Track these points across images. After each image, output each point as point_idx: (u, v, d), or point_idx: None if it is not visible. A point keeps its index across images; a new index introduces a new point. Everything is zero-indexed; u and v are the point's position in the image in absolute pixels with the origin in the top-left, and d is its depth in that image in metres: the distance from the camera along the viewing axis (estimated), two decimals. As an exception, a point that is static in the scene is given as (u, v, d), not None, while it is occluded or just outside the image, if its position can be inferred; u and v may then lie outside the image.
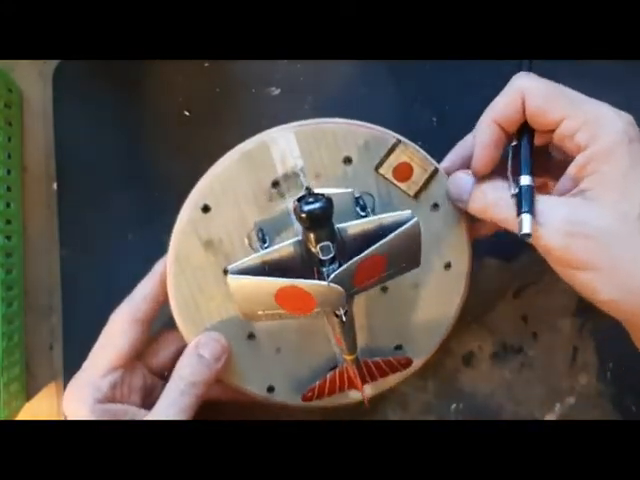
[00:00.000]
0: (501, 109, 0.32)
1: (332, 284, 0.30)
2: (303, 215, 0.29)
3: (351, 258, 0.30)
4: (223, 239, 0.34)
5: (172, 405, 0.32)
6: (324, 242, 0.30)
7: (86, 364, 0.35)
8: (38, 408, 0.43)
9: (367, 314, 0.36)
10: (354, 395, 0.38)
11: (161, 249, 0.41)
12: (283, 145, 0.34)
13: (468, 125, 0.37)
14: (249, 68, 0.42)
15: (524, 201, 0.30)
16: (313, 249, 0.30)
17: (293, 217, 0.33)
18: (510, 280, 0.37)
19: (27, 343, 0.43)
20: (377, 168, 0.34)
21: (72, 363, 0.41)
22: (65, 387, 0.40)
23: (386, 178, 0.34)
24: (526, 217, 0.30)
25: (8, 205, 0.41)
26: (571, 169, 0.31)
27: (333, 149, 0.34)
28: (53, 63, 0.43)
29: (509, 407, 0.41)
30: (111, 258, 0.42)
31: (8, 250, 0.41)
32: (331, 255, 0.30)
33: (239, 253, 0.34)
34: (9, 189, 0.42)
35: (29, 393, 0.43)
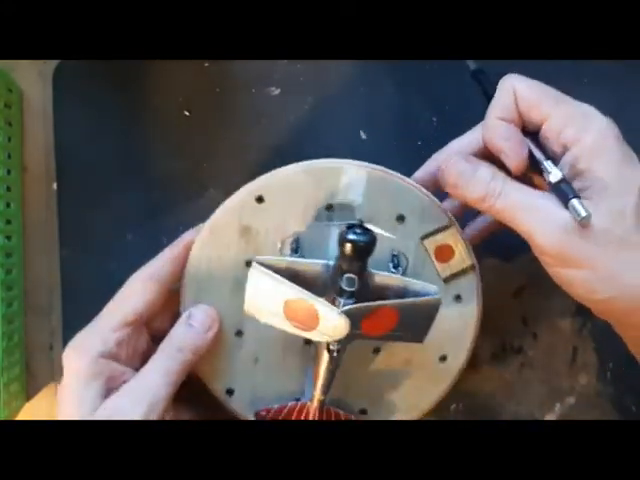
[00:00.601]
0: (497, 106, 0.32)
1: (343, 314, 0.30)
2: (348, 241, 0.30)
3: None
4: (260, 232, 0.35)
5: (158, 368, 0.32)
6: (352, 274, 0.31)
7: (97, 318, 0.34)
8: (38, 408, 0.43)
9: (350, 368, 0.36)
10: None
11: (161, 249, 0.41)
12: (353, 178, 0.35)
13: (468, 125, 0.37)
14: (249, 68, 0.42)
15: (568, 188, 0.29)
16: (339, 277, 0.31)
17: (330, 243, 0.35)
18: (510, 280, 0.38)
19: (27, 343, 0.43)
20: (423, 238, 0.35)
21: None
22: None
23: (427, 251, 0.35)
24: (577, 202, 0.29)
25: (8, 205, 0.41)
26: (563, 165, 0.31)
27: (393, 203, 0.35)
28: (53, 63, 0.43)
29: (509, 407, 0.41)
30: (111, 258, 0.42)
31: (8, 250, 0.41)
32: (353, 289, 0.31)
33: (268, 252, 0.35)
34: (9, 189, 0.42)
35: (29, 393, 0.43)
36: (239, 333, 0.36)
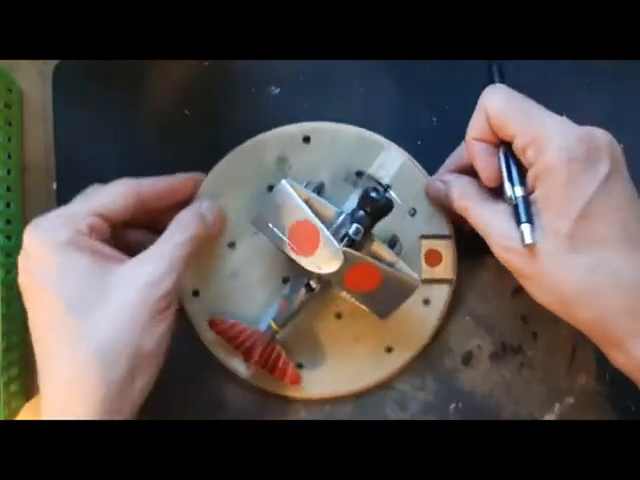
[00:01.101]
0: (473, 126, 0.35)
1: (343, 248, 0.34)
2: (370, 196, 0.35)
3: None
4: (293, 167, 0.40)
5: (170, 240, 0.34)
6: (360, 225, 0.35)
7: (64, 207, 0.34)
8: (38, 408, 0.43)
9: (309, 325, 0.40)
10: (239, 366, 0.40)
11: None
12: (390, 158, 0.39)
13: (468, 125, 0.37)
14: (249, 67, 0.42)
15: (522, 212, 0.32)
16: (348, 225, 0.35)
17: (347, 204, 0.39)
18: (509, 280, 0.37)
19: (27, 343, 0.43)
20: (422, 237, 0.39)
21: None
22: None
23: (420, 249, 0.39)
24: (526, 227, 0.31)
25: (8, 205, 0.41)
26: (527, 180, 0.33)
27: (412, 195, 0.39)
28: (53, 63, 0.43)
29: (508, 407, 0.41)
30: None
31: (8, 250, 0.41)
32: (357, 238, 0.35)
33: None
34: (9, 189, 0.42)
35: (29, 393, 0.43)
36: (232, 245, 0.39)
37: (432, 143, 0.41)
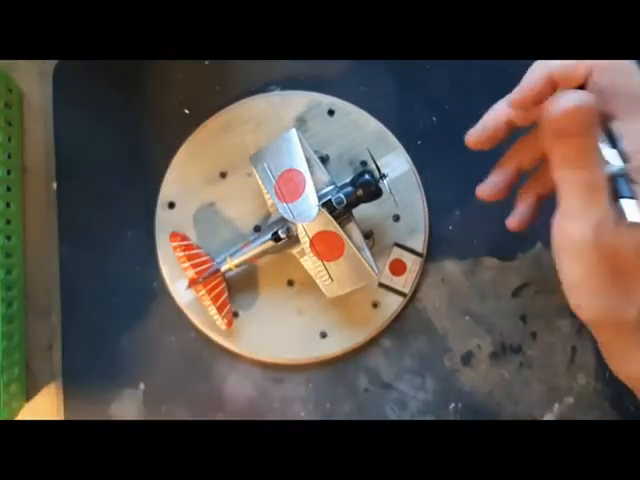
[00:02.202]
0: (558, 66, 0.31)
1: (320, 207, 0.36)
2: (364, 177, 0.36)
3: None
4: (308, 132, 0.41)
5: None
6: (345, 198, 0.36)
7: None
8: (38, 408, 0.43)
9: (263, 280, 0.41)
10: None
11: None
12: (398, 163, 0.41)
13: (468, 125, 0.37)
14: (249, 67, 0.42)
15: (623, 185, 0.27)
16: (333, 193, 0.37)
17: (343, 184, 0.38)
18: (509, 280, 0.38)
19: (27, 343, 0.43)
20: (396, 244, 0.41)
21: (72, 363, 0.41)
22: (63, 387, 0.40)
23: (389, 255, 0.41)
24: (629, 203, 0.26)
25: (8, 205, 0.41)
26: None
27: (404, 204, 0.41)
28: (53, 63, 0.43)
29: (508, 407, 0.41)
30: (111, 258, 0.42)
31: (8, 250, 0.41)
32: (337, 207, 0.36)
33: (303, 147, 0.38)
34: (9, 189, 0.42)
35: (29, 393, 0.43)
36: (223, 175, 0.41)
37: (432, 143, 0.41)
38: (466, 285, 0.41)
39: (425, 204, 0.41)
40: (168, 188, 0.41)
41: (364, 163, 0.41)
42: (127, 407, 0.41)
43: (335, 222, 0.36)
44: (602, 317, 0.29)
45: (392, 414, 0.41)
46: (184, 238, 0.41)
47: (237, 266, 0.39)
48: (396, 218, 0.41)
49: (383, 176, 0.37)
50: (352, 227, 0.37)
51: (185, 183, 0.41)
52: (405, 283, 0.41)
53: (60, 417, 0.42)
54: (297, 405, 0.41)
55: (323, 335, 0.41)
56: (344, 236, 0.36)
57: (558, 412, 0.41)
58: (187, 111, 0.42)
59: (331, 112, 0.41)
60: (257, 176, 0.38)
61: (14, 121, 0.42)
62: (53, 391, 0.43)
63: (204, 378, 0.41)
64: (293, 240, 0.38)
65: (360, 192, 0.36)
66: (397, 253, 0.41)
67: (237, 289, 0.41)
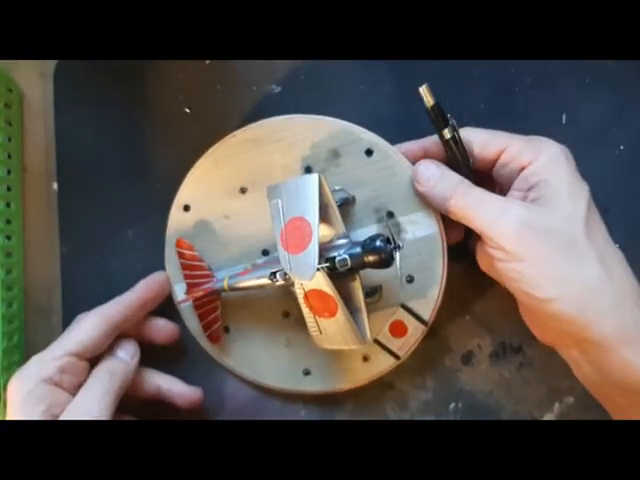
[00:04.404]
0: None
1: (320, 268, 0.32)
2: (376, 243, 0.33)
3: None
4: (340, 165, 0.39)
5: (93, 392, 0.34)
6: (348, 262, 0.34)
7: (44, 350, 0.36)
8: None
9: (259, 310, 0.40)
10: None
11: (161, 248, 0.41)
12: (427, 222, 0.37)
13: (468, 124, 0.37)
14: (250, 66, 0.42)
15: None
16: (340, 250, 0.34)
17: (362, 232, 0.38)
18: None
19: (27, 343, 0.43)
20: (403, 306, 0.38)
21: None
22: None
23: (393, 314, 0.38)
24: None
25: (8, 205, 0.41)
26: (518, 183, 0.34)
27: (423, 264, 0.38)
28: (53, 63, 0.43)
29: (508, 406, 0.41)
30: (111, 258, 0.42)
31: (8, 250, 0.41)
32: (340, 268, 0.33)
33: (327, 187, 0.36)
34: (9, 189, 0.42)
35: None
36: (243, 191, 0.40)
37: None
38: (466, 284, 0.41)
39: (445, 272, 0.38)
40: (187, 190, 0.40)
41: (390, 214, 0.38)
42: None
43: (332, 285, 0.33)
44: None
45: (392, 413, 0.41)
46: (189, 247, 0.40)
47: (232, 290, 0.38)
48: (410, 279, 0.38)
49: (397, 247, 0.34)
50: (355, 286, 0.35)
51: (204, 190, 0.40)
52: (402, 346, 0.39)
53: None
54: (297, 405, 0.41)
55: (306, 372, 0.40)
56: (339, 300, 0.33)
57: (558, 412, 0.41)
58: (188, 110, 0.42)
59: (369, 152, 0.38)
60: (270, 211, 0.35)
61: (14, 121, 0.42)
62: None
63: (204, 378, 0.41)
64: (290, 282, 0.35)
65: (369, 258, 0.33)
66: (401, 315, 0.38)
67: (233, 306, 0.40)
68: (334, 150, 0.38)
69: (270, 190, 0.35)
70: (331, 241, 0.35)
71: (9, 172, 0.42)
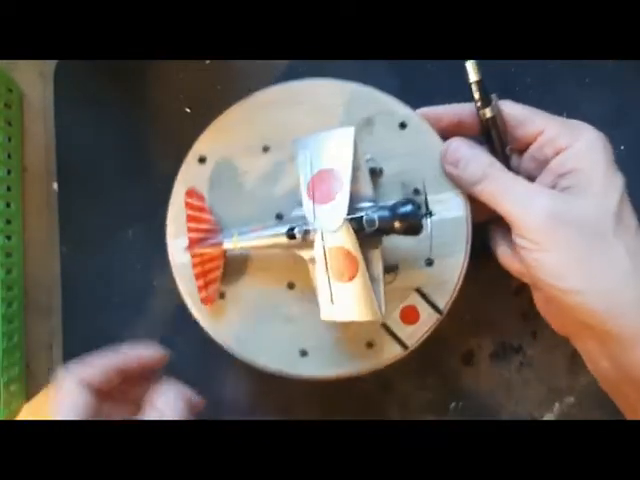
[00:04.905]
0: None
1: (346, 221, 0.31)
2: (406, 208, 0.32)
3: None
4: (373, 134, 0.37)
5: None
6: (376, 222, 0.31)
7: None
8: (38, 408, 0.43)
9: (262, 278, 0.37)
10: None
11: (162, 248, 0.41)
12: (456, 205, 0.36)
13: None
14: (250, 65, 0.42)
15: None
16: (370, 211, 0.32)
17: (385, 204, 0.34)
18: (510, 279, 0.37)
19: (27, 343, 0.43)
20: (417, 289, 0.36)
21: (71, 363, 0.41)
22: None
23: (407, 297, 0.36)
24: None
25: (8, 205, 0.41)
26: (551, 167, 0.33)
27: (445, 247, 0.36)
28: (53, 63, 0.43)
29: (508, 406, 0.41)
30: (111, 258, 0.42)
31: (8, 250, 0.41)
32: (367, 227, 0.31)
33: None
34: (9, 189, 0.42)
35: (29, 393, 0.43)
36: (266, 149, 0.38)
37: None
38: (467, 284, 0.41)
39: (467, 260, 0.36)
40: (205, 141, 0.38)
41: (417, 191, 0.36)
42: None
43: (357, 242, 0.31)
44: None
45: (393, 412, 0.41)
46: (200, 198, 0.37)
47: (242, 249, 0.36)
48: (429, 262, 0.36)
49: (429, 214, 0.32)
50: (375, 255, 0.33)
51: (224, 144, 0.38)
52: (412, 335, 0.36)
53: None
54: (297, 405, 0.41)
55: (303, 353, 0.37)
56: (361, 261, 0.31)
57: (558, 412, 0.41)
58: (188, 110, 0.42)
59: (403, 125, 0.37)
60: (296, 162, 0.34)
61: (14, 121, 0.42)
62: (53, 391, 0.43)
63: (204, 377, 0.41)
64: (308, 243, 0.33)
65: (397, 223, 0.31)
66: (415, 300, 0.36)
67: (234, 271, 0.37)
68: (368, 118, 0.37)
69: (297, 143, 0.34)
70: (357, 202, 0.33)
71: (9, 172, 0.42)
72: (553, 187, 0.33)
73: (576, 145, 0.32)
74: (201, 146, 0.38)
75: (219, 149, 0.38)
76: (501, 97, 0.36)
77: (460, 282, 0.36)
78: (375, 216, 0.31)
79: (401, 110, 0.37)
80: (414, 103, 0.37)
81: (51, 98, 0.43)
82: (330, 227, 0.31)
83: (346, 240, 0.31)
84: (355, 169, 0.32)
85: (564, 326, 0.35)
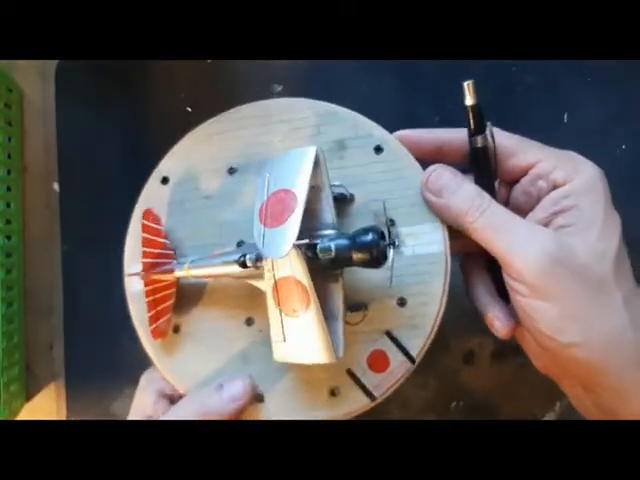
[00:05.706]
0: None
1: (296, 247, 0.27)
2: (368, 236, 0.28)
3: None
4: (344, 158, 0.34)
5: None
6: (332, 250, 0.28)
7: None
8: (38, 408, 0.43)
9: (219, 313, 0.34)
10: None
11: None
12: (433, 239, 0.32)
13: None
14: (252, 65, 0.42)
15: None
16: (325, 240, 0.29)
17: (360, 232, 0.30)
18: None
19: (27, 343, 0.43)
20: (387, 333, 0.32)
21: (72, 363, 0.41)
22: (66, 387, 0.40)
23: (375, 342, 0.32)
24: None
25: (8, 205, 0.41)
26: (545, 203, 0.31)
27: (421, 285, 0.32)
28: (53, 63, 0.43)
29: (509, 406, 0.41)
30: (112, 258, 0.42)
31: (8, 250, 0.41)
32: (320, 255, 0.29)
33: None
34: (9, 189, 0.42)
35: (29, 393, 0.43)
36: (232, 171, 0.35)
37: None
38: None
39: (444, 301, 0.32)
40: (170, 161, 0.36)
41: (393, 222, 0.32)
42: (129, 406, 0.41)
43: (307, 271, 0.27)
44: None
45: (394, 412, 0.41)
46: (156, 221, 0.34)
47: (195, 277, 0.33)
48: (402, 302, 0.32)
49: (392, 245, 0.29)
50: (335, 289, 0.30)
51: (190, 163, 0.35)
52: (379, 385, 0.32)
53: (62, 417, 0.42)
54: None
55: (259, 398, 0.33)
56: (312, 293, 0.27)
57: (559, 411, 0.41)
58: (189, 109, 0.42)
59: (379, 149, 0.33)
60: (256, 184, 0.31)
61: (14, 121, 0.42)
62: (53, 391, 0.43)
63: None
64: (261, 271, 0.30)
65: (356, 253, 0.28)
66: (385, 344, 0.32)
67: (190, 302, 0.34)
68: (340, 141, 0.34)
69: (260, 165, 0.31)
70: (317, 229, 0.30)
71: (9, 172, 0.42)
72: (547, 224, 0.30)
73: (575, 182, 0.30)
74: (165, 166, 0.36)
75: (183, 170, 0.36)
76: (502, 97, 0.36)
77: (437, 326, 0.32)
78: (332, 244, 0.28)
79: (378, 133, 0.34)
80: (414, 103, 0.37)
81: (52, 98, 0.43)
82: (276, 253, 0.27)
83: (295, 268, 0.28)
84: (318, 189, 0.30)
85: (550, 370, 0.33)
